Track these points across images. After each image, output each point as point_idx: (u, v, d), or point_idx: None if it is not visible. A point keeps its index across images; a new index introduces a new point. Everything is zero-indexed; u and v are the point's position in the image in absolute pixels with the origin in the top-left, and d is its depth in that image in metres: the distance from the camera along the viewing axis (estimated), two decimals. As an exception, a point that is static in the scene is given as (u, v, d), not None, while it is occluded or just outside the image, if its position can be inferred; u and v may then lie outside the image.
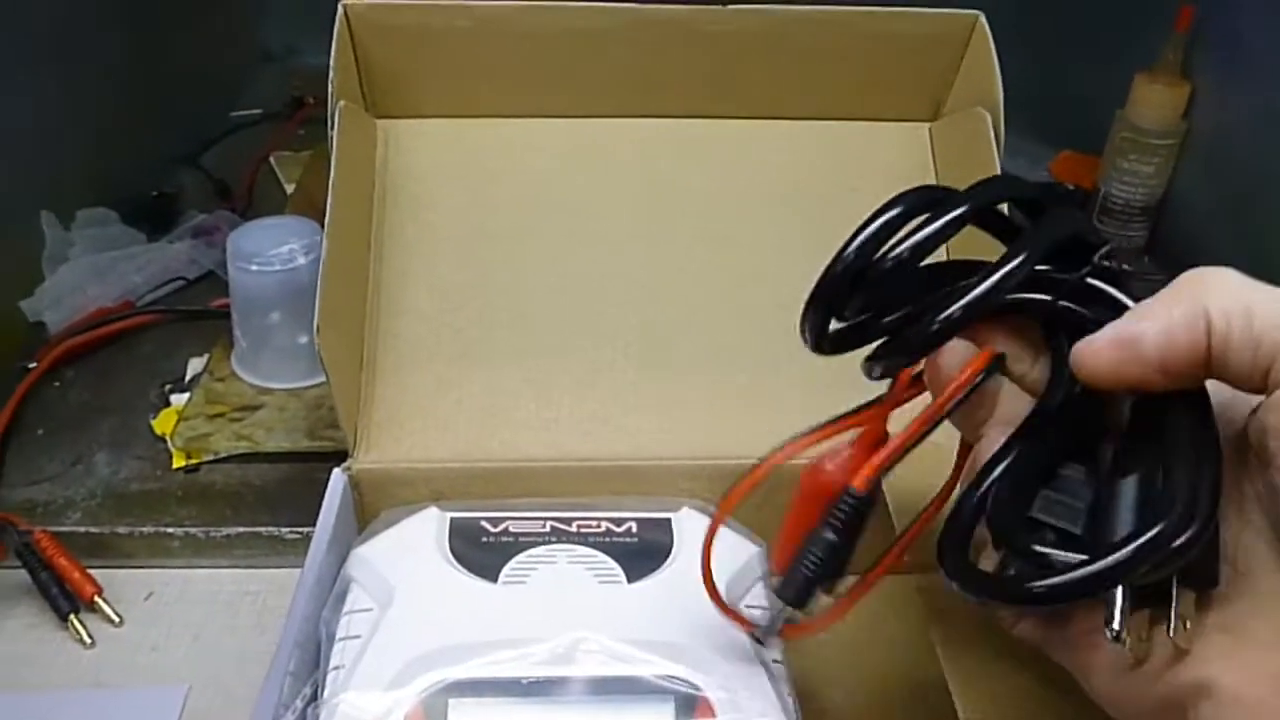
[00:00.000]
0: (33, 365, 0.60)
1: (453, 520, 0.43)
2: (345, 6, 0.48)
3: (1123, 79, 0.74)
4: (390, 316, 0.48)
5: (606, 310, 0.49)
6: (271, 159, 0.87)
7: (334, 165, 0.45)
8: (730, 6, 0.49)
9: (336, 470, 0.45)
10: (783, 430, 0.47)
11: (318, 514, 0.44)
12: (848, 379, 0.49)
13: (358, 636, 0.38)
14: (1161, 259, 0.77)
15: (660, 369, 0.48)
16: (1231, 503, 0.26)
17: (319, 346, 0.41)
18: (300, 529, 0.51)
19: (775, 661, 0.38)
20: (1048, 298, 0.31)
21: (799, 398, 0.48)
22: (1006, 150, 0.48)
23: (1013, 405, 0.32)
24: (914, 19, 0.50)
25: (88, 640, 0.48)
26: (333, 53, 0.47)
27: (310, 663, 0.39)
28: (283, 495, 0.53)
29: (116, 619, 0.49)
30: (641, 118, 0.52)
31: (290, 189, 0.83)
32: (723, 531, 0.43)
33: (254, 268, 0.55)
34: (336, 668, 0.37)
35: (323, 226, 0.57)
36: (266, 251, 0.55)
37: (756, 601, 0.40)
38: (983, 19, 0.49)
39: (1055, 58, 0.84)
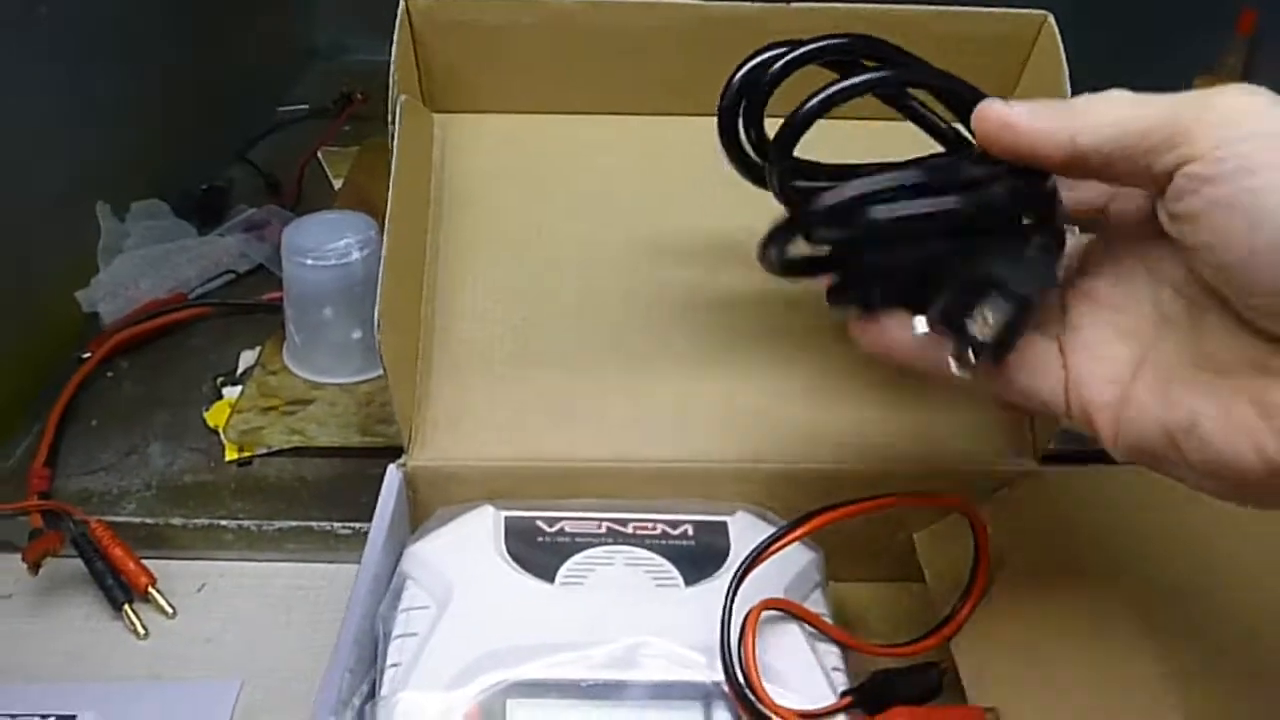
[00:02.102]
0: (86, 356, 0.61)
1: (508, 519, 0.43)
2: (407, 1, 0.48)
3: (1183, 82, 0.73)
4: (447, 315, 0.48)
5: (664, 313, 0.49)
6: (319, 154, 0.87)
7: (395, 161, 0.45)
8: (795, 4, 0.49)
9: (391, 467, 0.45)
10: (838, 435, 0.47)
11: (370, 509, 0.43)
12: (909, 386, 0.49)
13: (415, 634, 0.38)
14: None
15: (717, 372, 0.48)
16: (1145, 268, 0.32)
17: (379, 343, 0.41)
18: (352, 524, 0.51)
19: (835, 670, 0.38)
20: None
21: (855, 403, 0.48)
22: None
23: None
24: (982, 19, 0.49)
25: (141, 631, 0.48)
26: (394, 47, 0.47)
27: (367, 659, 0.39)
28: (335, 490, 0.53)
29: (170, 610, 0.49)
30: (704, 116, 0.51)
31: (338, 184, 0.83)
32: (780, 535, 0.43)
33: (309, 262, 0.55)
34: (394, 665, 0.37)
35: (374, 221, 0.58)
36: (322, 246, 0.55)
37: (817, 606, 0.40)
38: (1051, 19, 0.49)
39: (1114, 59, 0.82)
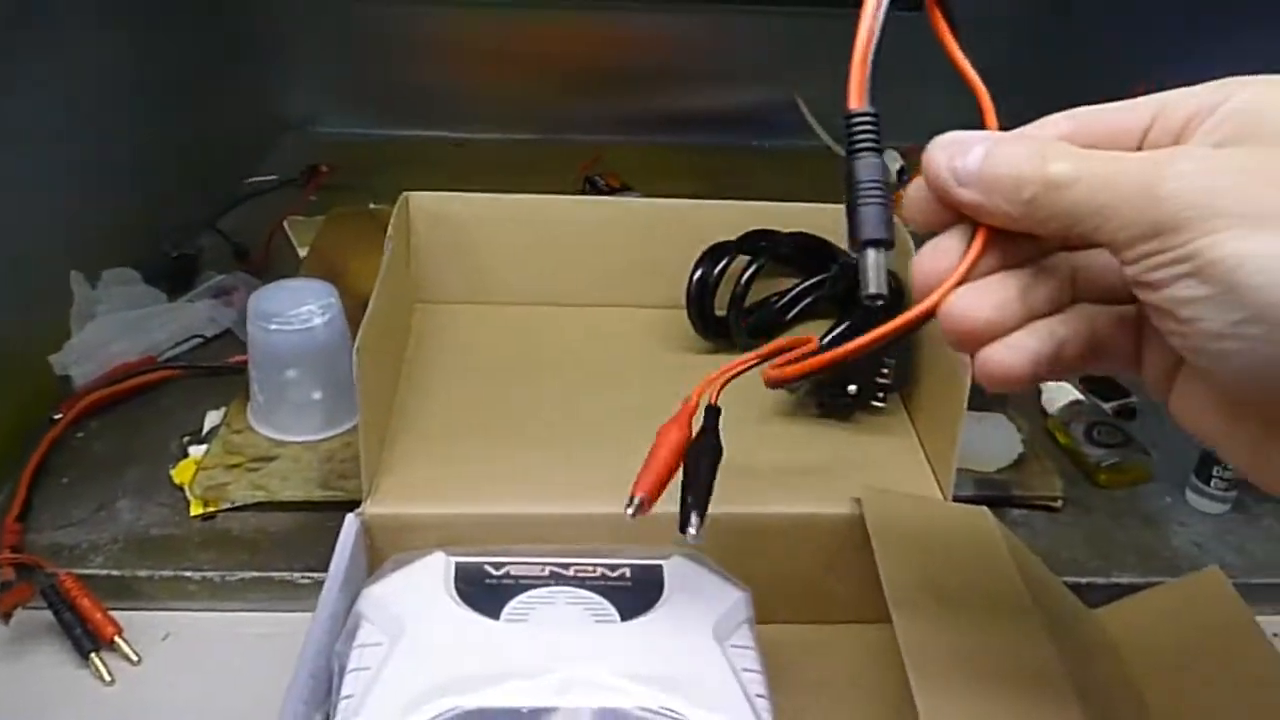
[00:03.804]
0: (59, 416, 0.63)
1: (458, 564, 0.46)
2: (407, 196, 0.62)
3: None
4: (411, 393, 0.56)
5: (603, 404, 0.58)
6: (285, 223, 0.91)
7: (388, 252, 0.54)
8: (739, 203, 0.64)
9: (350, 515, 0.48)
10: (764, 490, 0.51)
11: (330, 560, 0.46)
12: (820, 440, 0.53)
13: (368, 668, 0.41)
14: None
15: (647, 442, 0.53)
16: None
17: (356, 365, 0.46)
18: (312, 574, 0.53)
19: (759, 696, 0.41)
20: None
21: (778, 462, 0.53)
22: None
23: None
24: None
25: (107, 678, 0.50)
26: (389, 232, 0.56)
27: (322, 693, 0.41)
28: (296, 542, 0.56)
29: (135, 658, 0.51)
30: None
31: (303, 253, 0.86)
32: (709, 576, 0.46)
33: (273, 327, 0.58)
34: (348, 696, 0.40)
35: (335, 289, 0.62)
36: (285, 312, 0.58)
37: (743, 641, 0.43)
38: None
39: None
